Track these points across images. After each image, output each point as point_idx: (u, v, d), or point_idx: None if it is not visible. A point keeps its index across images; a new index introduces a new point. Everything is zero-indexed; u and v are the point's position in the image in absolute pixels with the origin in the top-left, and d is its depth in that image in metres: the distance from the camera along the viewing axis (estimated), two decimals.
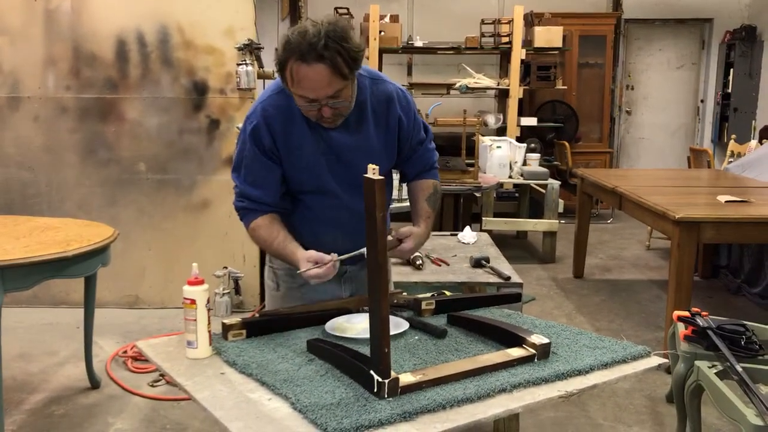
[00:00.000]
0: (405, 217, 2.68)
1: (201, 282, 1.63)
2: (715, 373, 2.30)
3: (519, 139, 6.54)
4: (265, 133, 1.81)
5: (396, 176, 2.42)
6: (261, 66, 4.48)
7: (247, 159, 1.84)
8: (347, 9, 7.08)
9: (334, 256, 1.75)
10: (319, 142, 1.82)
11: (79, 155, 4.39)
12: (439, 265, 3.21)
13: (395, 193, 4.04)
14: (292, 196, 1.91)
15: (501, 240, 5.45)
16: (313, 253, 1.75)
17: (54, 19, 4.29)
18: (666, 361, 1.64)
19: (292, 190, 1.89)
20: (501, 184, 6.04)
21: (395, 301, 1.93)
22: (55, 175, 4.40)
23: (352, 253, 1.75)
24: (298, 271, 1.75)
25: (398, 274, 2.95)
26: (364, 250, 1.73)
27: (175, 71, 4.34)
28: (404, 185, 4.04)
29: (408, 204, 3.93)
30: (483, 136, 6.10)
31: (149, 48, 4.32)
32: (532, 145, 6.92)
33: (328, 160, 1.84)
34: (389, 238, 1.89)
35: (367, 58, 6.31)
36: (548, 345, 1.58)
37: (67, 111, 4.36)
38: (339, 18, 1.72)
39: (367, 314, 1.40)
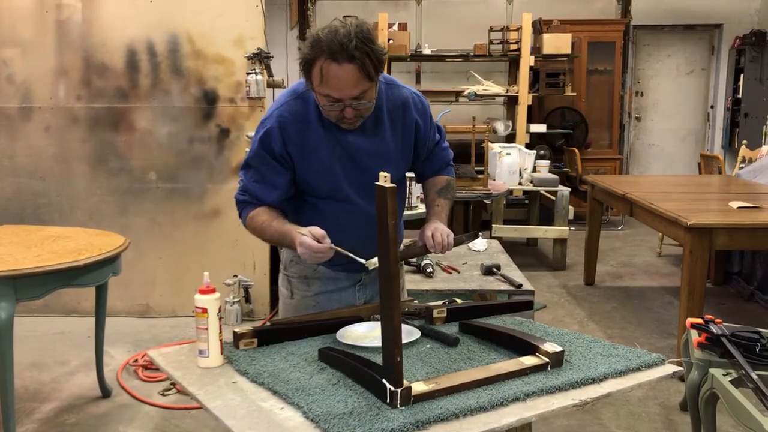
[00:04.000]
0: (417, 225, 2.68)
1: (212, 291, 1.63)
2: (730, 381, 2.27)
3: (528, 146, 6.53)
4: (277, 138, 1.80)
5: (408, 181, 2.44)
6: (270, 75, 4.50)
7: (255, 161, 1.85)
8: (356, 17, 7.09)
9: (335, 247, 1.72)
10: (335, 146, 1.81)
11: (90, 165, 4.42)
12: (450, 273, 3.20)
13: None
14: (307, 203, 1.90)
15: (511, 247, 5.43)
16: (315, 229, 1.70)
17: (65, 29, 4.33)
18: (680, 369, 1.62)
19: (306, 194, 1.89)
20: (511, 191, 6.02)
21: (407, 309, 1.92)
22: (66, 184, 4.42)
23: (351, 254, 1.74)
24: (297, 239, 1.70)
25: (409, 282, 2.94)
26: (362, 260, 1.76)
27: (185, 81, 4.36)
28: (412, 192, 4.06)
29: (419, 212, 3.94)
30: (492, 143, 6.09)
31: (159, 58, 4.34)
32: (542, 151, 6.90)
33: (343, 165, 1.83)
34: (417, 244, 1.89)
35: None
36: (561, 353, 1.57)
37: (78, 121, 4.39)
38: (364, 20, 1.73)
39: (379, 322, 1.39)
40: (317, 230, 1.70)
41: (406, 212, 3.63)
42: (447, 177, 2.07)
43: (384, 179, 1.35)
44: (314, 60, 1.66)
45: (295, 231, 1.73)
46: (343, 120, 1.75)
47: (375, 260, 1.73)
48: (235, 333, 1.71)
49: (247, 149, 4.19)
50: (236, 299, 4.27)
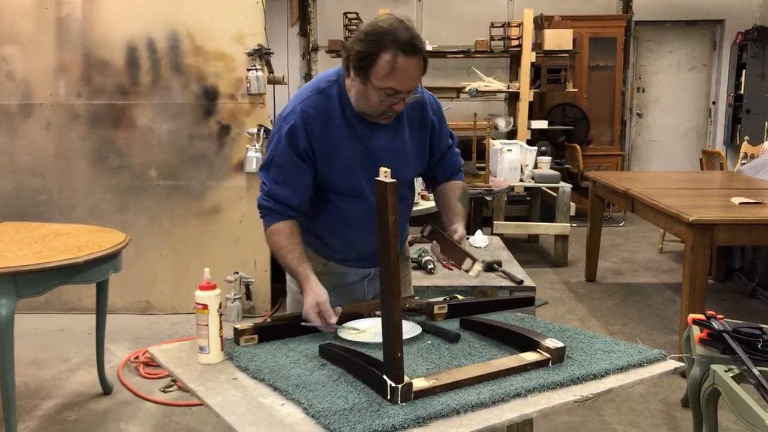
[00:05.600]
0: (419, 221, 2.67)
1: (213, 287, 1.63)
2: (732, 377, 2.27)
3: (530, 143, 6.52)
4: (302, 134, 1.79)
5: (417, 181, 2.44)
6: (271, 71, 4.49)
7: (280, 159, 1.82)
8: (356, 14, 7.09)
9: (338, 310, 1.75)
10: (356, 144, 1.82)
11: (90, 162, 4.41)
12: (451, 269, 3.20)
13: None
14: (323, 198, 1.89)
15: (512, 244, 5.42)
16: (322, 297, 1.72)
17: (65, 26, 4.32)
18: (682, 365, 1.62)
19: (325, 191, 1.88)
20: (512, 188, 6.02)
21: (408, 305, 1.92)
22: (66, 181, 4.42)
23: (356, 328, 1.75)
24: (307, 301, 1.74)
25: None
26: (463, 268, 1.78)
27: (186, 77, 4.35)
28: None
29: (418, 208, 3.93)
30: (493, 139, 6.08)
31: (160, 54, 4.33)
32: (543, 148, 6.89)
33: (363, 163, 1.82)
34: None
35: None
36: (563, 349, 1.56)
37: (78, 118, 4.38)
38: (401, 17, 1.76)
39: (380, 318, 1.39)
40: (322, 298, 1.72)
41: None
42: (461, 183, 2.06)
43: (384, 174, 1.35)
44: (378, 53, 1.66)
45: (308, 286, 1.75)
46: (387, 114, 1.77)
47: (476, 265, 1.79)
48: (235, 329, 1.70)
49: (247, 148, 4.21)
50: (237, 296, 4.27)
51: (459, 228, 1.87)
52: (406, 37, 1.66)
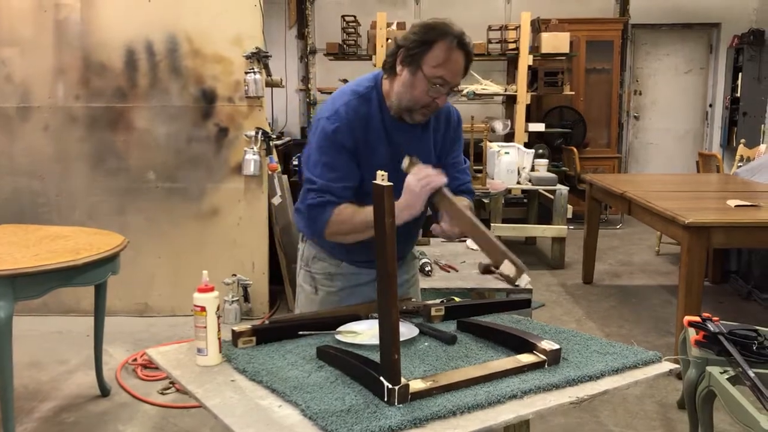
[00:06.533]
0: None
1: (211, 289, 1.64)
2: (727, 379, 2.28)
3: (527, 145, 6.53)
4: (348, 135, 1.82)
5: None
6: (269, 74, 4.50)
7: (329, 156, 1.82)
8: (354, 17, 7.10)
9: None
10: (391, 146, 1.87)
11: (88, 164, 4.42)
12: (448, 272, 3.21)
13: None
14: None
15: (510, 246, 5.41)
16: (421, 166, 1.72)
17: (64, 29, 4.33)
18: (677, 366, 1.63)
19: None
20: (509, 190, 6.03)
21: (405, 307, 1.93)
22: (64, 184, 4.43)
23: (353, 331, 1.75)
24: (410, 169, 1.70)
25: None
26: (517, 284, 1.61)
27: (184, 80, 4.36)
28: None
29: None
30: (491, 142, 6.10)
31: (158, 57, 4.34)
32: (540, 150, 6.91)
33: (395, 165, 1.82)
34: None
35: (374, 66, 6.32)
36: (559, 351, 1.57)
37: (76, 120, 4.39)
38: None
39: (377, 320, 1.40)
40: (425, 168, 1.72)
41: None
42: (469, 202, 2.04)
43: (381, 178, 1.36)
44: (435, 41, 1.75)
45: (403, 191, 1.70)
46: (428, 107, 1.82)
47: (524, 276, 1.60)
48: (233, 331, 1.71)
49: (245, 150, 4.22)
50: (235, 298, 4.27)
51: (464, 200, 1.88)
52: (459, 32, 1.76)
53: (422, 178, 1.69)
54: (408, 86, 1.80)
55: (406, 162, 1.74)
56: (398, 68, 1.81)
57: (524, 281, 1.61)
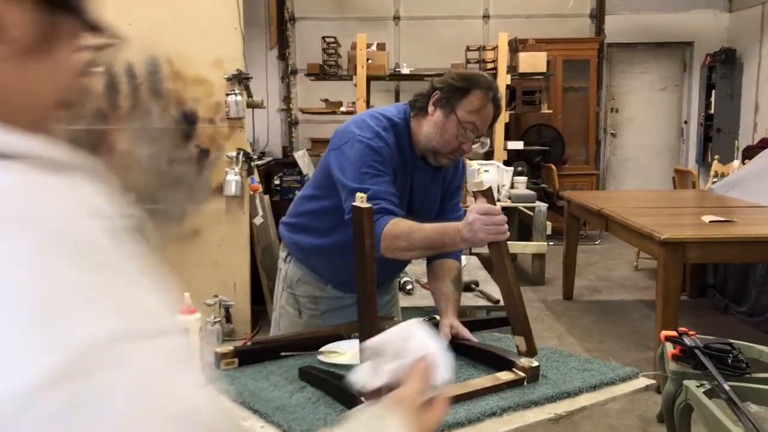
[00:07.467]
0: None
1: (193, 311, 1.65)
2: (704, 392, 2.32)
3: (506, 163, 6.60)
4: (389, 156, 1.83)
5: None
6: (250, 95, 4.53)
7: (375, 168, 1.78)
8: (335, 38, 7.16)
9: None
10: (406, 181, 1.92)
11: None
12: (429, 290, 3.23)
13: None
14: (342, 219, 1.85)
15: (490, 263, 5.46)
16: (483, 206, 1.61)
17: None
18: (653, 381, 1.66)
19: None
20: None
21: (386, 326, 1.94)
22: None
23: (335, 351, 1.77)
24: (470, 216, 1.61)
25: None
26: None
27: (165, 102, 4.37)
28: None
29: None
30: (470, 160, 6.16)
31: (139, 79, 4.35)
32: (519, 168, 6.98)
33: (403, 196, 1.90)
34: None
35: (355, 86, 6.38)
36: (537, 368, 1.60)
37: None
38: None
39: (358, 340, 1.42)
40: (483, 206, 1.61)
41: None
42: (458, 264, 2.07)
43: (360, 200, 1.39)
44: (472, 89, 1.83)
45: (460, 225, 1.64)
46: (455, 152, 1.89)
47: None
48: (216, 353, 1.72)
49: (226, 171, 4.23)
50: (217, 319, 4.25)
51: (453, 322, 1.86)
52: (496, 87, 1.88)
53: (492, 224, 1.59)
54: (439, 128, 1.85)
55: (477, 181, 1.63)
56: (430, 109, 1.87)
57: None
